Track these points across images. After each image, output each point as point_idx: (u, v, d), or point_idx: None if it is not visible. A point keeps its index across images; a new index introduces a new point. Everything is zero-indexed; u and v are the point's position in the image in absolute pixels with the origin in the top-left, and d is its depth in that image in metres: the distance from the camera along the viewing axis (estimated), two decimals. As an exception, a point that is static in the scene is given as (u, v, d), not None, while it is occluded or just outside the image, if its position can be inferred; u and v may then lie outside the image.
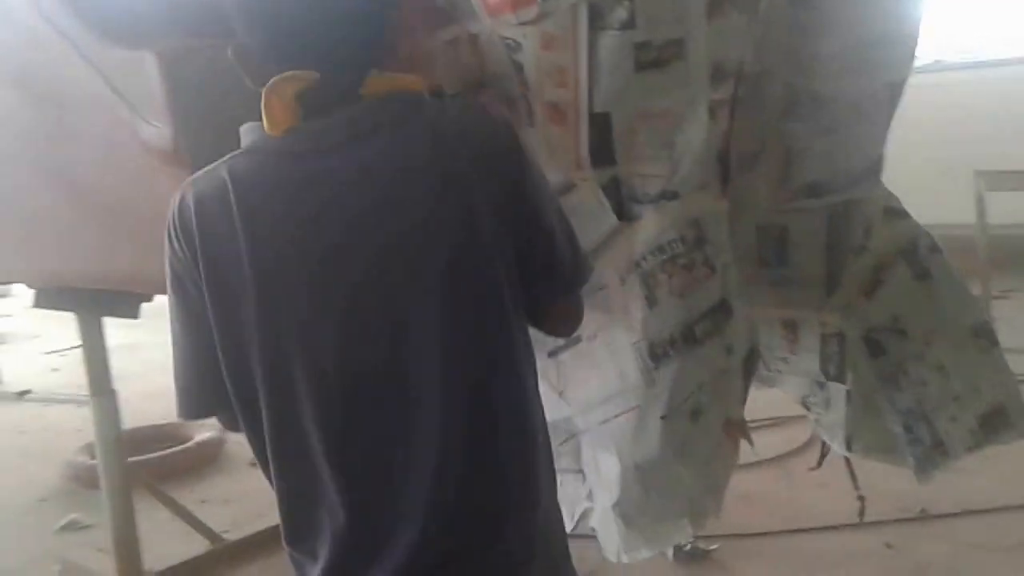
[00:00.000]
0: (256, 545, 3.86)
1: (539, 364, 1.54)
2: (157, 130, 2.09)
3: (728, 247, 2.26)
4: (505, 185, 1.40)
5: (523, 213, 1.43)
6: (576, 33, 2.06)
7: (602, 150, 2.16)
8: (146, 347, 5.80)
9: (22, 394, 6.91)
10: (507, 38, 2.14)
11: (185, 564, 3.87)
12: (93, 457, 5.08)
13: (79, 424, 6.11)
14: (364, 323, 1.30)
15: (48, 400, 6.75)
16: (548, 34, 2.10)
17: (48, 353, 8.42)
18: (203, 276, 1.32)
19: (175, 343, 1.41)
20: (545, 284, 1.50)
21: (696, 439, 2.19)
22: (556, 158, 2.19)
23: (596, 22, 2.04)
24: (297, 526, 1.36)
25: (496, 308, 1.37)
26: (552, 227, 1.49)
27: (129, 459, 4.84)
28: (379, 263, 1.31)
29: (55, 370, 7.86)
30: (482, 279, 1.35)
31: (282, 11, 1.32)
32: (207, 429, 5.40)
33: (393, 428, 1.30)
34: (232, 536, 3.97)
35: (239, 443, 5.33)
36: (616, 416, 2.19)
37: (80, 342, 3.49)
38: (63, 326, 10.03)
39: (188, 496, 4.56)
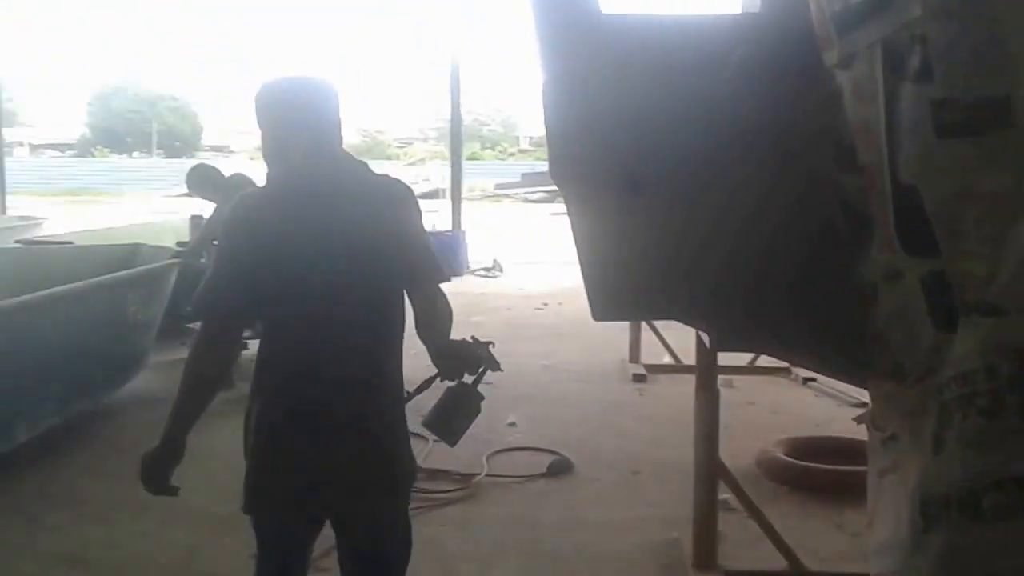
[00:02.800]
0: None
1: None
2: None
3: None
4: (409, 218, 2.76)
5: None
6: (875, 81, 1.75)
7: (917, 234, 1.78)
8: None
9: (807, 381, 7.58)
10: (838, 85, 1.91)
11: (754, 573, 4.10)
12: (788, 453, 5.58)
13: (822, 419, 6.62)
14: (332, 268, 2.56)
15: (822, 392, 7.27)
16: (855, 81, 1.82)
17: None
18: (251, 236, 2.57)
19: (216, 272, 2.60)
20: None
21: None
22: (878, 233, 1.89)
23: (895, 68, 1.70)
24: (270, 373, 2.64)
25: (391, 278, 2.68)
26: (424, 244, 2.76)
27: (797, 462, 5.30)
28: (343, 240, 2.58)
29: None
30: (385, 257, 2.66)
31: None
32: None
33: (335, 323, 2.58)
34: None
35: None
36: (878, 576, 1.85)
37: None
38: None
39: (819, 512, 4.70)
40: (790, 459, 5.38)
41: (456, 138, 16.65)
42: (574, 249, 2.43)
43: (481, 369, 2.78)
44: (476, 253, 15.63)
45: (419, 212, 2.74)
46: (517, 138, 71.42)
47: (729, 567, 4.08)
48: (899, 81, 1.69)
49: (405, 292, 2.68)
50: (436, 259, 2.71)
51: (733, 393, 7.36)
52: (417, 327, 2.68)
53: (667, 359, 8.07)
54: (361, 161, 2.78)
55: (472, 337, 2.78)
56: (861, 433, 4.43)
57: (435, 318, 2.67)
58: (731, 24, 2.51)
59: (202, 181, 7.37)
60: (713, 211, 2.25)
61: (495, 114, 73.24)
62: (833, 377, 2.85)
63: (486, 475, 5.29)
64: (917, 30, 1.64)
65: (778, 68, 2.16)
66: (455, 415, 2.86)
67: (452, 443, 2.87)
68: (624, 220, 2.28)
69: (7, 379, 4.90)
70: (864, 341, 2.05)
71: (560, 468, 5.44)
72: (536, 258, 16.57)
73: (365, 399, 2.61)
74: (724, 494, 4.31)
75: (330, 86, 2.76)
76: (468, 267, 14.83)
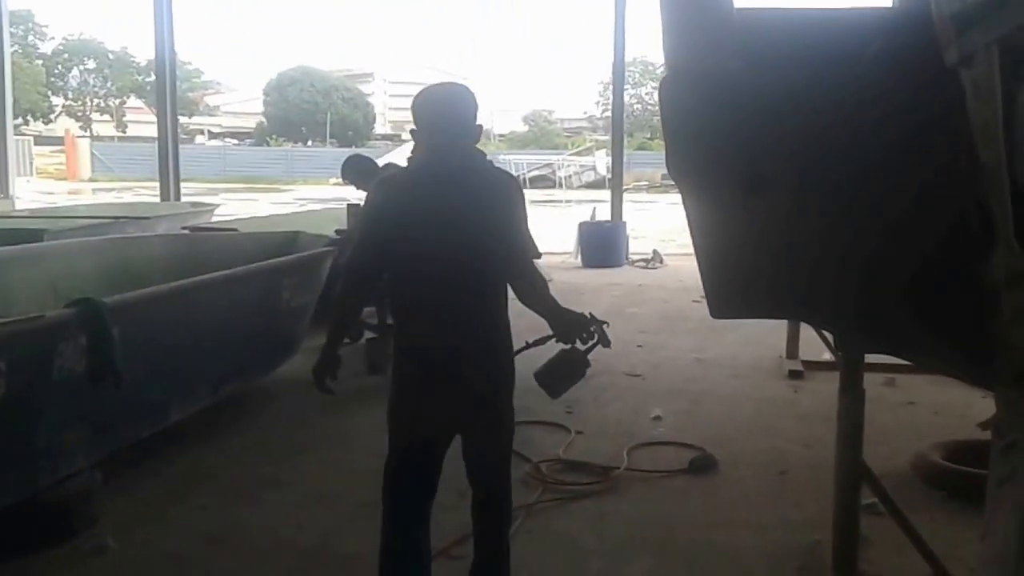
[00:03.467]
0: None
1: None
2: None
3: None
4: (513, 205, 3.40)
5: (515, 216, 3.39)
6: (993, 81, 1.73)
7: (1039, 236, 1.76)
8: None
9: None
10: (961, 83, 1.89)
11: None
12: (946, 458, 5.39)
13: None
14: (449, 241, 3.24)
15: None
16: (975, 80, 1.79)
17: None
18: (386, 210, 3.37)
19: (355, 254, 3.46)
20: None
21: None
22: (999, 236, 1.86)
23: (1013, 68, 1.68)
24: (400, 324, 3.46)
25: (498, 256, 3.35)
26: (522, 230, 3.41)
27: (968, 469, 5.11)
28: (458, 219, 3.26)
29: None
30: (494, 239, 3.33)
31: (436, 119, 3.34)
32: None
33: (449, 284, 3.27)
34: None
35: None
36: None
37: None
38: None
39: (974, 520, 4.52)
40: (947, 463, 5.20)
41: (618, 127, 16.66)
42: (692, 245, 2.47)
43: (593, 341, 3.42)
44: (637, 244, 15.64)
45: (522, 199, 3.44)
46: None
47: (870, 572, 4.01)
48: (1017, 82, 1.67)
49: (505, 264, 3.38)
50: (530, 239, 3.45)
51: (894, 392, 7.15)
52: (518, 295, 3.43)
53: (827, 356, 7.87)
54: (485, 156, 3.49)
55: (590, 314, 3.46)
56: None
57: (532, 287, 3.42)
58: (862, 19, 2.50)
59: (356, 171, 7.65)
60: (839, 209, 2.25)
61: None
62: (962, 380, 2.77)
63: (625, 469, 5.33)
64: (1036, 29, 1.62)
65: (915, 63, 2.14)
66: (562, 374, 3.53)
67: (554, 397, 3.60)
68: (742, 218, 2.31)
69: (162, 361, 5.19)
70: (989, 345, 2.03)
71: (703, 465, 5.42)
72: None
73: (477, 343, 3.34)
74: (872, 498, 4.27)
75: (468, 95, 3.41)
76: (628, 258, 14.84)
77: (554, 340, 3.46)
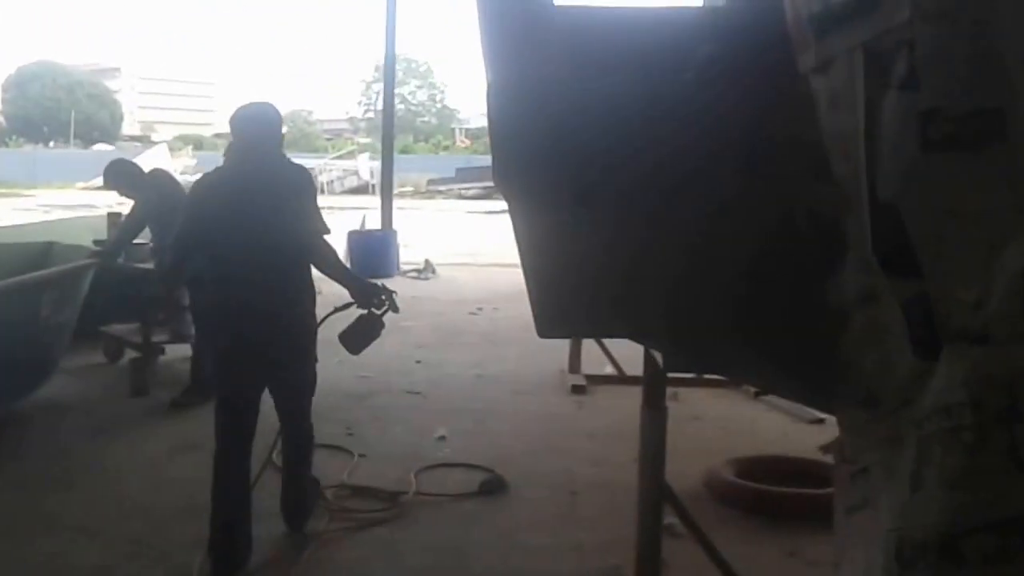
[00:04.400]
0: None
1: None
2: None
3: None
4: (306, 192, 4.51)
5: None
6: (855, 88, 1.68)
7: (899, 255, 1.72)
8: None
9: (759, 394, 7.60)
10: (813, 90, 1.84)
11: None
12: (738, 474, 5.55)
13: (776, 436, 6.67)
14: (255, 226, 4.17)
15: (774, 406, 7.25)
16: (832, 89, 1.75)
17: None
18: (201, 208, 4.37)
19: (182, 233, 4.45)
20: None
21: None
22: (852, 252, 1.83)
23: (878, 75, 1.63)
24: (215, 293, 4.32)
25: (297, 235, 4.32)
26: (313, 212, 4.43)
27: (754, 484, 5.26)
28: (262, 207, 4.20)
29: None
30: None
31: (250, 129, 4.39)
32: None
33: (256, 256, 4.16)
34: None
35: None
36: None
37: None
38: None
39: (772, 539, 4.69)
40: (742, 480, 5.34)
41: (388, 130, 16.47)
42: (519, 259, 2.34)
43: (385, 307, 4.49)
44: (407, 253, 15.49)
45: (312, 187, 4.68)
46: (453, 131, 71.21)
47: (673, 597, 4.03)
48: (881, 89, 1.63)
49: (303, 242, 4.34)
50: (321, 219, 4.45)
51: (679, 407, 7.30)
52: (315, 266, 4.43)
53: (609, 369, 8.03)
54: (286, 157, 4.59)
55: (382, 283, 4.60)
56: (817, 453, 4.47)
57: (324, 258, 4.44)
58: (695, 19, 2.44)
59: (121, 176, 7.23)
60: (667, 223, 2.17)
61: (430, 105, 72.92)
62: (795, 402, 2.78)
63: (415, 493, 5.16)
64: (904, 34, 1.58)
65: (747, 70, 2.09)
66: (362, 334, 4.51)
67: (354, 354, 4.60)
68: (572, 231, 2.20)
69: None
70: (832, 367, 2.00)
71: (493, 487, 5.34)
72: (470, 259, 16.49)
73: (280, 306, 4.26)
74: (669, 518, 4.26)
75: (272, 111, 4.57)
76: (399, 269, 14.66)
77: (355, 307, 4.51)
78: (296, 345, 4.36)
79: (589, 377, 7.85)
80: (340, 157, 45.24)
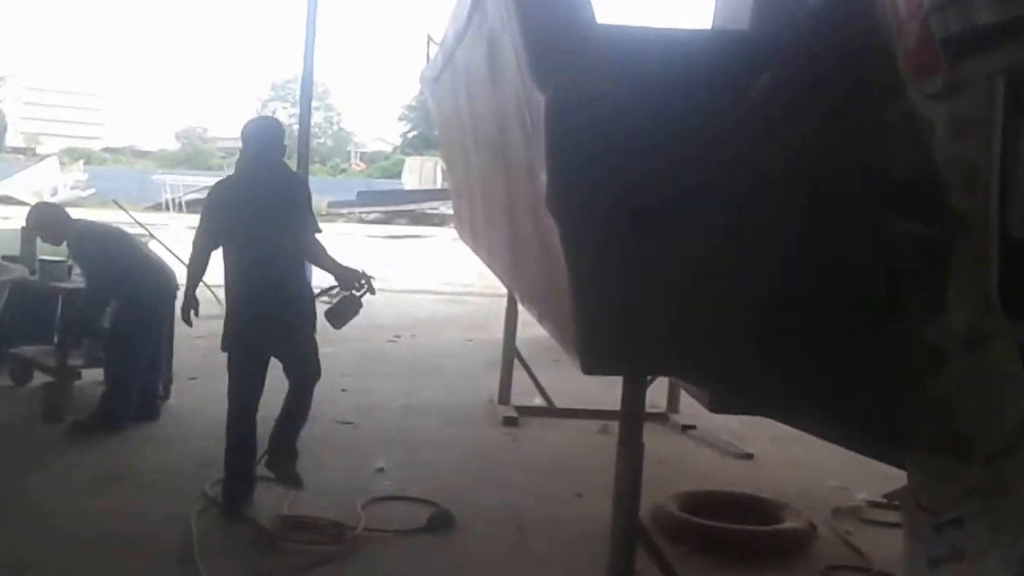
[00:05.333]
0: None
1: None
2: (542, 176, 2.17)
3: None
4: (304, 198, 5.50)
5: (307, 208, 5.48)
6: (991, 117, 1.57)
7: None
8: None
9: (686, 428, 7.55)
10: (924, 117, 1.73)
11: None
12: (682, 508, 5.45)
13: (709, 472, 6.57)
14: (262, 225, 5.09)
15: (702, 441, 7.26)
16: (960, 115, 1.64)
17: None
18: (221, 210, 5.24)
19: (196, 240, 5.27)
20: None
21: None
22: (961, 291, 1.71)
23: (1019, 103, 1.53)
24: (234, 284, 5.16)
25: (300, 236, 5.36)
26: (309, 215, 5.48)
27: (706, 521, 5.17)
28: (269, 209, 5.14)
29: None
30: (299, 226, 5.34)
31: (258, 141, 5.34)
32: (799, 519, 5.26)
33: (267, 252, 5.11)
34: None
35: (839, 550, 5.21)
36: None
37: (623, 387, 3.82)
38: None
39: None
40: (690, 516, 5.24)
41: (304, 153, 16.07)
42: (566, 293, 2.15)
43: (364, 290, 5.45)
44: (318, 276, 15.06)
45: (308, 194, 5.58)
46: (349, 153, 70.37)
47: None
48: (1020, 116, 1.52)
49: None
50: (315, 220, 5.49)
51: (610, 440, 7.18)
52: (309, 259, 5.45)
53: (538, 401, 7.88)
54: (287, 166, 5.76)
55: (362, 270, 5.49)
56: (758, 487, 4.37)
57: (317, 253, 5.45)
58: (748, 44, 2.33)
59: (45, 222, 6.95)
60: (736, 253, 2.03)
61: (326, 127, 72.02)
62: (854, 450, 2.64)
63: (364, 528, 4.91)
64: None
65: (814, 95, 1.97)
66: (343, 312, 5.45)
67: (337, 328, 5.53)
68: (636, 258, 2.04)
69: None
70: (909, 411, 1.87)
71: (442, 522, 5.14)
72: (382, 284, 16.12)
73: (285, 288, 5.21)
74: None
75: (277, 124, 5.66)
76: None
77: (338, 288, 5.56)
78: (301, 316, 5.31)
79: (520, 408, 7.68)
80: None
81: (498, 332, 12.93)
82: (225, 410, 5.24)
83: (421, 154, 54.01)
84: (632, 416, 3.89)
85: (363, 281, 5.40)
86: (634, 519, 3.87)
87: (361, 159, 67.67)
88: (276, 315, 5.10)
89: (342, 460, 6.20)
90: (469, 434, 7.12)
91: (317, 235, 5.39)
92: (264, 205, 5.09)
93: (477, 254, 7.24)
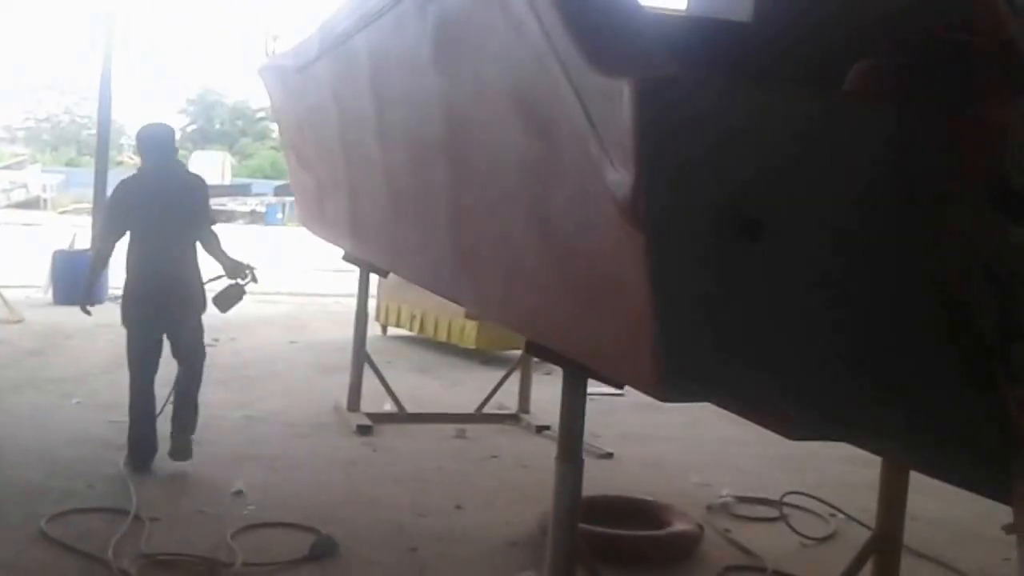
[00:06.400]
0: None
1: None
2: (620, 176, 1.84)
3: None
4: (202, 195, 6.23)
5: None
6: None
7: None
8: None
9: (541, 429, 7.38)
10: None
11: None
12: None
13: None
14: (164, 218, 5.82)
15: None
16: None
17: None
18: (126, 206, 5.93)
19: (104, 230, 6.23)
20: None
21: None
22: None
23: None
24: (132, 265, 5.83)
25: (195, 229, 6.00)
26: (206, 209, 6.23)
27: (600, 529, 4.96)
28: (167, 204, 5.85)
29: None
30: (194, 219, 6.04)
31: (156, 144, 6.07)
32: (687, 521, 5.15)
33: (164, 240, 5.81)
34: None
35: (723, 548, 5.14)
36: None
37: (562, 394, 3.62)
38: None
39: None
40: (587, 525, 5.01)
41: (103, 149, 14.95)
42: (641, 312, 1.83)
43: (248, 279, 5.99)
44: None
45: (206, 190, 6.17)
46: (122, 145, 66.41)
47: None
48: None
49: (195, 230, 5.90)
50: (211, 212, 6.18)
51: (470, 444, 6.98)
52: (204, 249, 5.89)
53: (388, 407, 7.49)
54: (184, 166, 6.44)
55: (247, 262, 6.02)
56: (628, 488, 4.20)
57: (211, 244, 5.94)
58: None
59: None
60: (842, 268, 1.79)
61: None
62: (954, 482, 2.40)
63: (243, 564, 4.40)
64: None
65: (917, 91, 1.76)
66: (230, 298, 6.01)
67: (223, 312, 6.06)
68: (732, 268, 1.76)
69: None
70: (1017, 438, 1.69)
71: (324, 549, 4.69)
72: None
73: (180, 275, 5.78)
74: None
75: (169, 129, 6.32)
76: (109, 294, 13.14)
77: (224, 278, 6.01)
78: (191, 301, 5.85)
79: (372, 416, 7.26)
80: (8, 168, 40.67)
81: (320, 334, 12.57)
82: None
83: (202, 148, 51.82)
84: (571, 432, 3.62)
85: (247, 272, 5.96)
86: (574, 538, 3.62)
87: (134, 152, 64.11)
88: (169, 296, 5.71)
89: (193, 484, 5.63)
90: (324, 446, 6.64)
91: (213, 228, 6.04)
92: (166, 201, 5.77)
93: (355, 252, 6.88)
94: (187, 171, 6.28)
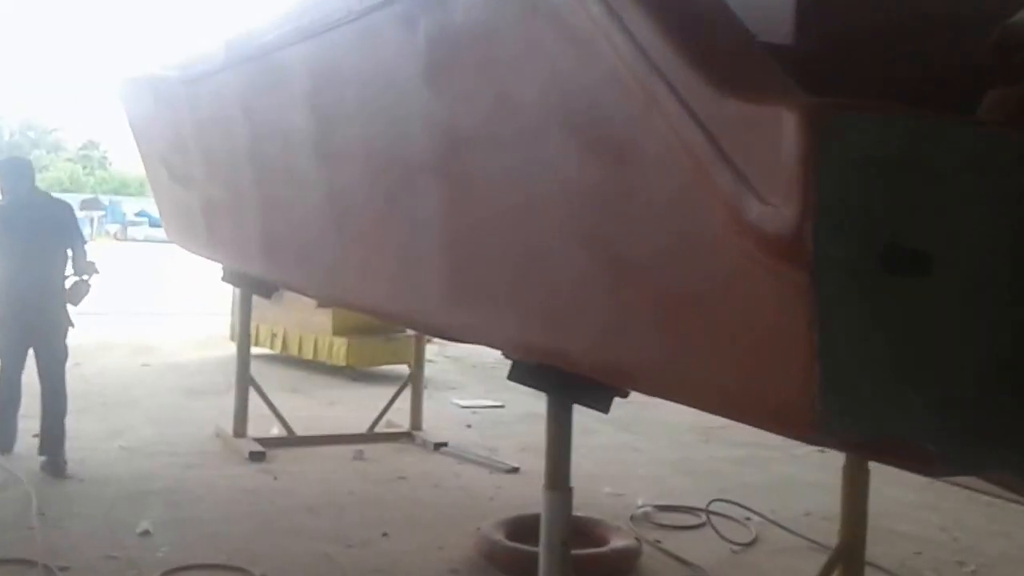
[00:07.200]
0: None
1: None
2: (773, 210, 1.70)
3: None
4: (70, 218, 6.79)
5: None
6: None
7: None
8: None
9: (439, 446, 7.18)
10: None
11: None
12: (510, 537, 5.08)
13: (492, 492, 6.16)
14: (32, 246, 6.31)
15: (462, 458, 6.94)
16: None
17: (464, 407, 8.84)
18: None
19: None
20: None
21: None
22: None
23: None
24: (8, 286, 6.33)
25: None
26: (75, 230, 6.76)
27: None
28: (36, 228, 6.30)
29: (468, 426, 8.15)
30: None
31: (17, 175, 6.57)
32: (624, 535, 5.10)
33: (33, 261, 6.27)
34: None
35: (660, 560, 5.11)
36: None
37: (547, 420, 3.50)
38: (483, 381, 10.25)
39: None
40: (520, 545, 4.87)
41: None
42: (795, 350, 1.69)
43: (93, 273, 6.41)
44: None
45: (73, 214, 6.70)
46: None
47: None
48: None
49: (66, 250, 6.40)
50: (81, 234, 6.66)
51: (372, 466, 6.71)
52: (74, 268, 6.36)
53: (276, 431, 7.12)
54: (47, 193, 6.95)
55: (91, 261, 6.46)
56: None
57: (79, 260, 6.38)
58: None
59: None
60: (994, 300, 1.74)
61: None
62: None
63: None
64: None
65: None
66: (79, 292, 6.38)
67: (75, 304, 6.39)
68: (885, 305, 1.67)
69: None
70: None
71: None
72: None
73: (45, 293, 6.25)
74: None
75: (26, 160, 7.63)
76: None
77: (74, 274, 6.38)
78: (56, 320, 6.32)
79: (261, 440, 6.87)
80: None
81: (170, 356, 11.86)
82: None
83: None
84: (558, 460, 3.47)
85: (92, 267, 6.42)
86: (568, 570, 3.47)
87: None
88: (35, 309, 6.22)
89: (92, 525, 5.12)
90: (219, 476, 6.20)
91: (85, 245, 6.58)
92: (36, 229, 6.23)
93: (265, 273, 6.25)
94: (50, 197, 6.85)
